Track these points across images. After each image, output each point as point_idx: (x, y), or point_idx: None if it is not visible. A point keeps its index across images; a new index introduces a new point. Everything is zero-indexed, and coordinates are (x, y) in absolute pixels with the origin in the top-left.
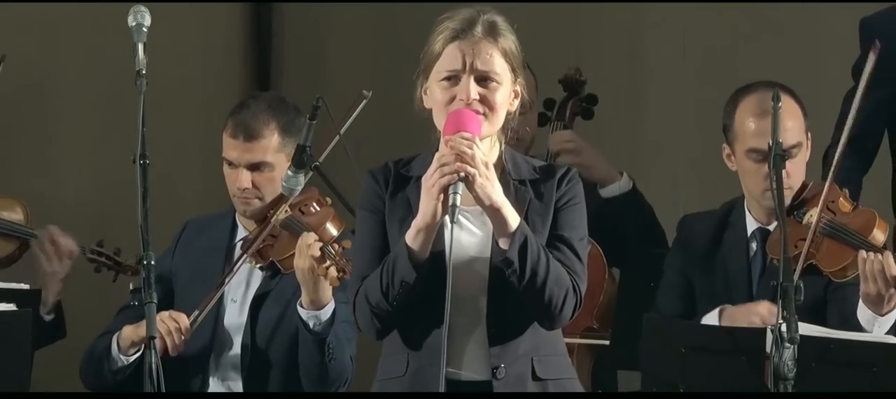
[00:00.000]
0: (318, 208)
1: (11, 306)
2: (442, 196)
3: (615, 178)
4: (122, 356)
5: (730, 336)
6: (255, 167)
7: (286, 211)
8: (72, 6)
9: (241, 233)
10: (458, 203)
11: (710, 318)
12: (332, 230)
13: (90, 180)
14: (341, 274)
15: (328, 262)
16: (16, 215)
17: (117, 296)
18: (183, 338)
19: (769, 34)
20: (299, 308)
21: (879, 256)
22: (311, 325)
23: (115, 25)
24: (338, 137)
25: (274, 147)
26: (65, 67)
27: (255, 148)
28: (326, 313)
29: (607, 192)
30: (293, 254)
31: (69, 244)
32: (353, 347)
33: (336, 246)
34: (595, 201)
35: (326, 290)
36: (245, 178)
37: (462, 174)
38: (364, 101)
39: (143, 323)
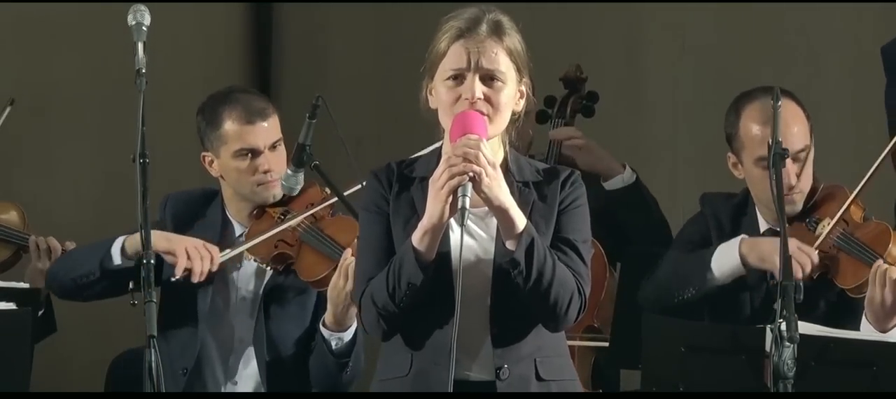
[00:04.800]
0: (331, 213)
1: (11, 305)
2: (450, 198)
3: (618, 172)
4: (122, 257)
5: (729, 335)
6: (273, 146)
7: (299, 219)
8: (71, 6)
9: (238, 229)
10: (467, 206)
11: (729, 248)
12: None
13: (89, 180)
14: None
15: None
16: (9, 217)
17: None
18: (210, 268)
19: (769, 34)
20: (322, 327)
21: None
22: (333, 344)
23: (115, 25)
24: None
25: (278, 123)
26: (64, 67)
27: (270, 127)
28: (349, 334)
29: (610, 184)
30: (327, 275)
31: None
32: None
33: None
34: (598, 195)
35: (354, 312)
36: (271, 158)
37: (470, 175)
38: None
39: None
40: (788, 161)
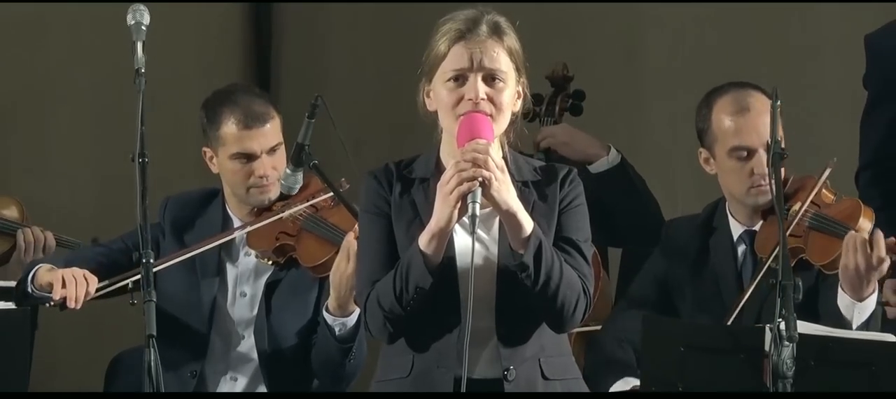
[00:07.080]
0: (331, 203)
1: (10, 305)
2: (459, 203)
3: (602, 154)
4: (31, 284)
5: (729, 335)
6: (272, 150)
7: (299, 208)
8: (68, 5)
9: (237, 224)
10: (477, 212)
11: (623, 386)
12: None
13: (87, 179)
14: None
15: None
16: (10, 213)
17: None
18: (84, 297)
19: (769, 34)
20: (325, 313)
21: (866, 234)
22: (336, 330)
23: (113, 24)
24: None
25: (280, 126)
26: (60, 66)
27: (269, 132)
28: (353, 319)
29: (596, 167)
30: (328, 260)
31: (49, 239)
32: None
33: None
34: (587, 180)
35: None
36: (267, 164)
37: (480, 180)
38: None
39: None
40: (760, 152)
